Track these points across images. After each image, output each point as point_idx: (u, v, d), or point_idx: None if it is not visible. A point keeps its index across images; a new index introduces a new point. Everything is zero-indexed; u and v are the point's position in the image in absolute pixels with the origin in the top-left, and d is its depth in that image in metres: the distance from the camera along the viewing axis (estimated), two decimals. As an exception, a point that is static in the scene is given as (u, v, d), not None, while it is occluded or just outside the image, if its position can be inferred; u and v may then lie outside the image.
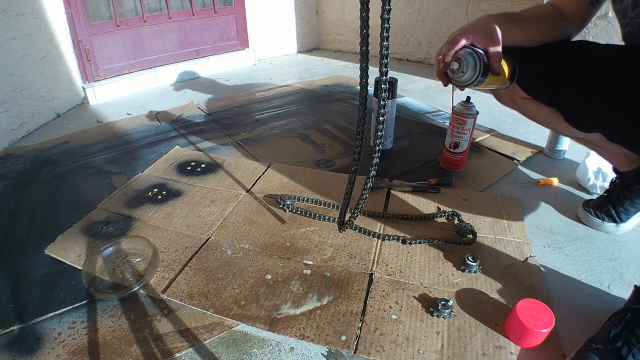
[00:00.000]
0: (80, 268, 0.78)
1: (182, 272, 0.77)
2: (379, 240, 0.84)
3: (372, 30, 0.50)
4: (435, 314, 0.65)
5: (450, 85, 0.68)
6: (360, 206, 0.65)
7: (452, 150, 1.09)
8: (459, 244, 0.81)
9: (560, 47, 0.70)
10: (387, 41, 0.46)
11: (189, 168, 1.17)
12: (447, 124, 1.11)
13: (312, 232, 0.87)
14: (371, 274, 0.75)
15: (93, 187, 1.11)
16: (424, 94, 1.82)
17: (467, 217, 0.90)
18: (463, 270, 0.75)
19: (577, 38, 0.74)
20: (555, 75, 0.69)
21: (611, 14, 1.33)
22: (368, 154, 1.23)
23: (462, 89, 0.68)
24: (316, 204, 0.95)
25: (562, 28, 0.72)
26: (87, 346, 0.63)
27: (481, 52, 0.63)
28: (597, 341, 0.55)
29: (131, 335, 0.64)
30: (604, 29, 1.36)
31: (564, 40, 0.73)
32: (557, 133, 1.13)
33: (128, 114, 1.71)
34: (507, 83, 0.69)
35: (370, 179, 0.59)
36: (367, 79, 0.54)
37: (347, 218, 0.73)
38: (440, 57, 0.66)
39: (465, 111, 1.04)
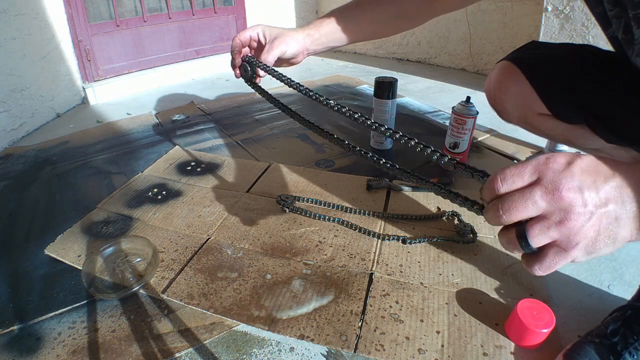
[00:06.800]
0: (80, 268, 0.77)
1: (182, 272, 0.77)
2: (379, 240, 0.84)
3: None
4: None
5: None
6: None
7: (452, 150, 1.09)
8: (459, 244, 0.81)
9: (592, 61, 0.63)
10: None
11: (189, 168, 1.17)
12: (447, 124, 1.11)
13: (312, 232, 0.87)
14: (371, 274, 0.75)
15: (93, 187, 1.11)
16: (424, 94, 1.82)
17: (467, 217, 0.89)
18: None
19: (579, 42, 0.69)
20: (593, 94, 0.61)
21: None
22: (368, 154, 1.25)
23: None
24: (316, 204, 0.95)
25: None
26: (87, 346, 0.62)
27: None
28: (594, 335, 0.56)
29: (131, 335, 0.64)
30: (604, 29, 1.36)
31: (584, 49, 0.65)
32: (571, 146, 1.10)
33: (128, 114, 1.71)
34: None
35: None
36: None
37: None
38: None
39: (465, 111, 1.04)
